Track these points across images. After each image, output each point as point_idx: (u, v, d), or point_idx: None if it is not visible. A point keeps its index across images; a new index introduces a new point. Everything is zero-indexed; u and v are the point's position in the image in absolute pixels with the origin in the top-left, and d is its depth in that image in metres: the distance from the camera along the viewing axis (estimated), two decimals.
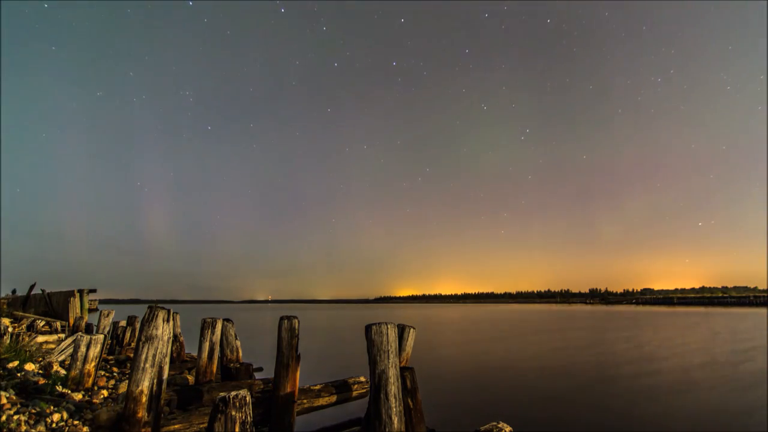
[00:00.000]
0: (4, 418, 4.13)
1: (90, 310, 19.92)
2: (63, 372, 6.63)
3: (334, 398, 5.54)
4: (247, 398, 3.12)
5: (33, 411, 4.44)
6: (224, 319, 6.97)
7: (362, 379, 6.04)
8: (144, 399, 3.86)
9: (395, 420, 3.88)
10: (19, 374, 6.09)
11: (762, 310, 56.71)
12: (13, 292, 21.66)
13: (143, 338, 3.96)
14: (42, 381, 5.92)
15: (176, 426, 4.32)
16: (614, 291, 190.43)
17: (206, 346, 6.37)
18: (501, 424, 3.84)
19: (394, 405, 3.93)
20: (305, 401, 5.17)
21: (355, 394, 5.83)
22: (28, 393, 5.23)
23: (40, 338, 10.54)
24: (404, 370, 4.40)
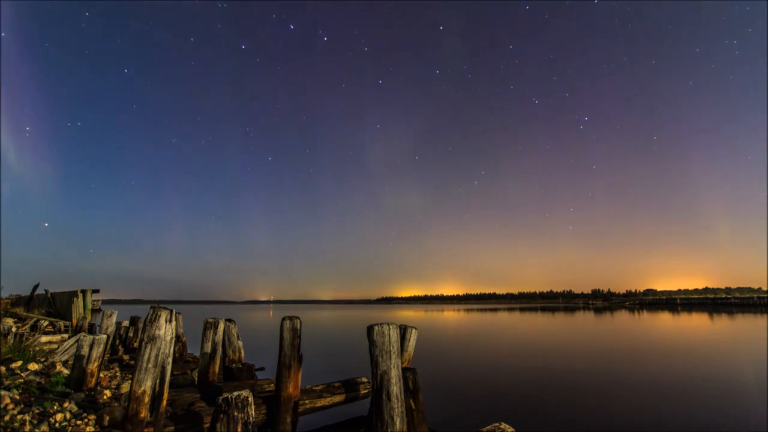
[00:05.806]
0: (7, 417, 4.15)
1: (93, 311, 20.01)
2: (66, 372, 6.66)
3: (336, 399, 5.54)
4: (249, 399, 3.12)
5: (36, 411, 4.46)
6: (226, 320, 6.99)
7: (364, 379, 6.04)
8: (147, 399, 3.87)
9: (397, 421, 3.88)
10: (22, 374, 6.12)
11: (765, 314, 56.30)
12: None
13: (146, 338, 3.98)
14: (45, 381, 5.95)
15: (178, 426, 4.33)
16: (616, 291, 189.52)
17: (208, 346, 6.39)
18: (503, 425, 3.82)
19: (396, 406, 3.92)
20: (307, 402, 5.17)
21: (357, 394, 5.82)
22: (31, 393, 5.25)
23: (44, 338, 10.60)
24: (406, 371, 4.39)
